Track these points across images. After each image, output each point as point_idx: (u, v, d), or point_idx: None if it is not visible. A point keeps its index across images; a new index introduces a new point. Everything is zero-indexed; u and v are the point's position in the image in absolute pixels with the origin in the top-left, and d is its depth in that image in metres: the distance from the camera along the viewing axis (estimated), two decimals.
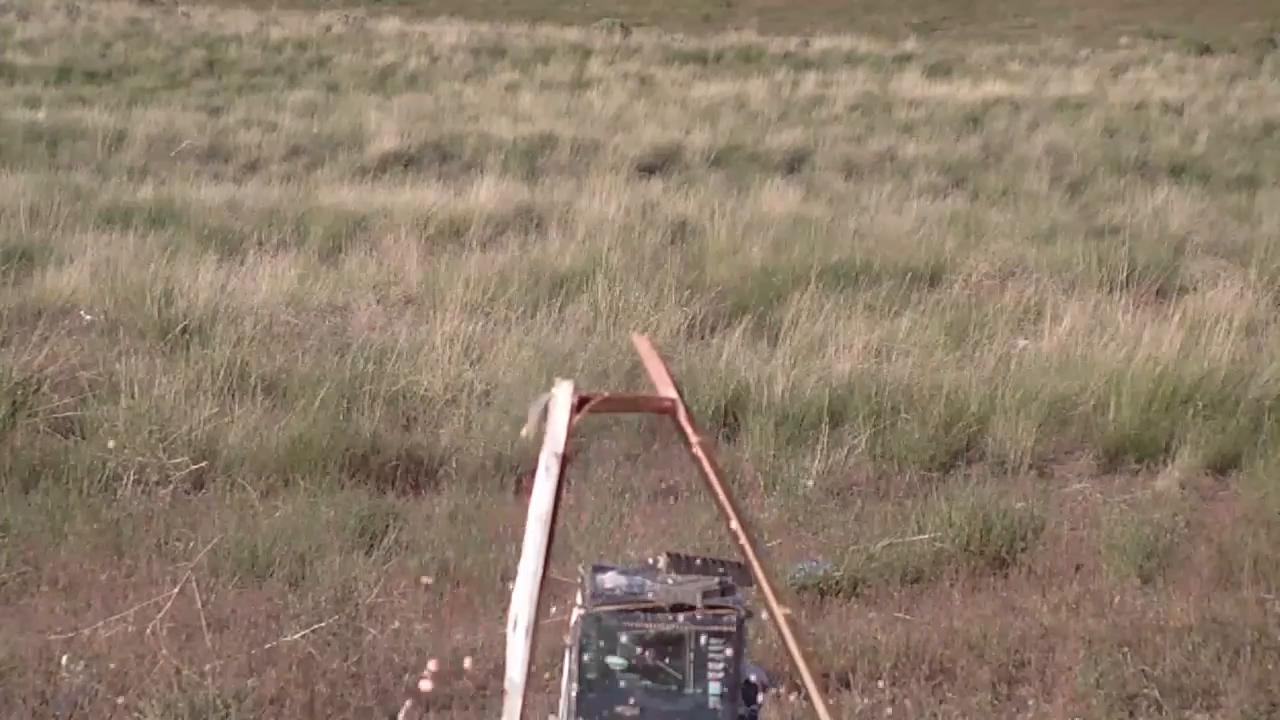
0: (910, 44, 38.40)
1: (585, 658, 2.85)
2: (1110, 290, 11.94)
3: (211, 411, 8.37)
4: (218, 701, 5.47)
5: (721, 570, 2.95)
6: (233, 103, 25.37)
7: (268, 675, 5.76)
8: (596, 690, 2.85)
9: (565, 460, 2.81)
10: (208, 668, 5.71)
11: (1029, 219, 16.23)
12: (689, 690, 2.86)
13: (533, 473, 2.86)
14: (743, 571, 2.95)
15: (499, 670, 2.92)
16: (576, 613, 2.88)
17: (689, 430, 2.92)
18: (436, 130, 22.08)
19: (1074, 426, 9.12)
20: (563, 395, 2.83)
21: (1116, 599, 6.84)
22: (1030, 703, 5.90)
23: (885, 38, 39.99)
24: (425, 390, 9.15)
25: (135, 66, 29.92)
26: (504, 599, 4.14)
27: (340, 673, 5.82)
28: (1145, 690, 5.91)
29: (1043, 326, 10.91)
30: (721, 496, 2.94)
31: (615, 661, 2.85)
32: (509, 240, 13.96)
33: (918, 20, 46.11)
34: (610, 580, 2.92)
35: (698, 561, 2.97)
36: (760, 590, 2.94)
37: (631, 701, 2.85)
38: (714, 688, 2.86)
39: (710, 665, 2.86)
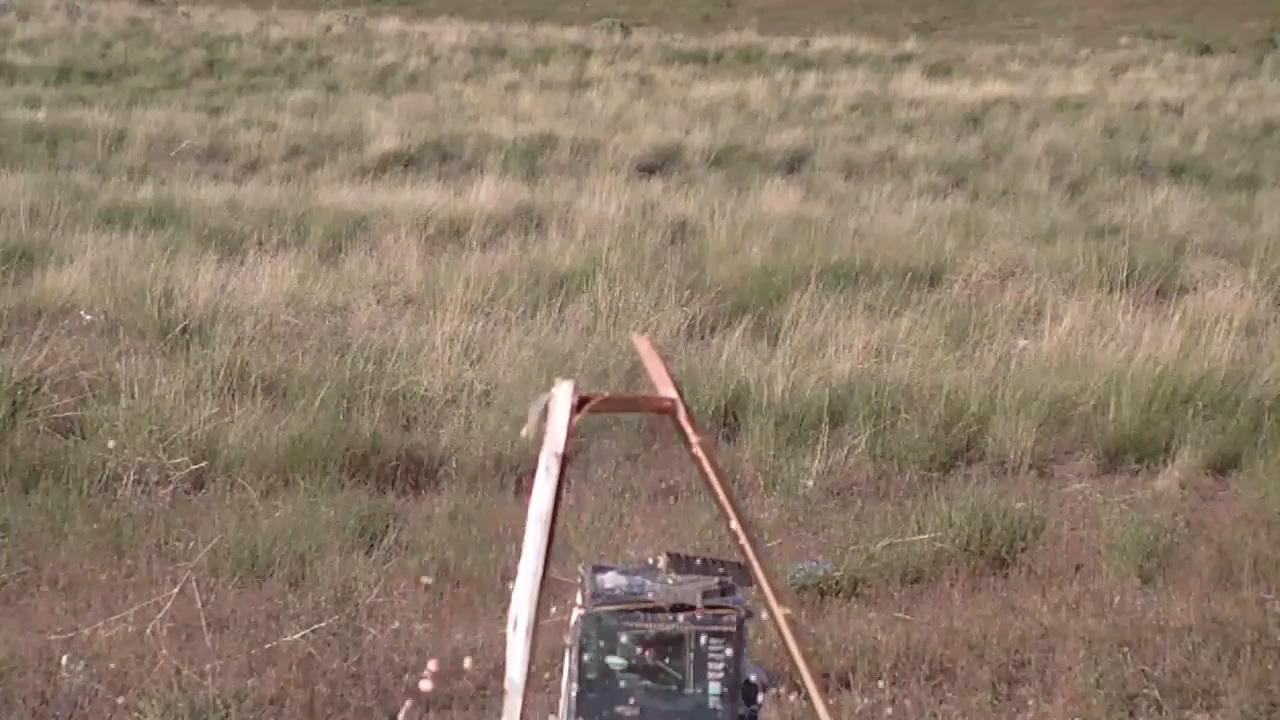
0: (910, 44, 38.41)
1: (585, 658, 2.85)
2: (1110, 290, 11.94)
3: (211, 411, 8.37)
4: (218, 701, 5.47)
5: (721, 570, 2.95)
6: (233, 103, 25.37)
7: (268, 675, 5.76)
8: (596, 690, 2.85)
9: (565, 460, 2.81)
10: (208, 668, 5.71)
11: (1029, 219, 16.22)
12: (689, 690, 2.86)
13: (533, 473, 2.86)
14: (743, 571, 2.95)
15: (499, 670, 2.92)
16: (576, 613, 2.88)
17: (689, 430, 2.92)
18: (436, 130, 22.08)
19: (1074, 426, 9.12)
20: (563, 395, 2.83)
21: (1116, 599, 6.84)
22: (1030, 703, 5.89)
23: (885, 38, 39.99)
24: (425, 390, 9.15)
25: (135, 66, 29.93)
26: (504, 599, 4.13)
27: (340, 673, 5.81)
28: (1145, 690, 5.91)
29: (1043, 326, 10.91)
30: (721, 496, 2.94)
31: (615, 661, 2.85)
32: (509, 240, 13.97)
33: (918, 20, 46.11)
34: (610, 580, 2.92)
35: (698, 561, 2.97)
36: (760, 590, 2.94)
37: (631, 701, 2.85)
38: (714, 688, 2.86)
39: (710, 665, 2.86)
